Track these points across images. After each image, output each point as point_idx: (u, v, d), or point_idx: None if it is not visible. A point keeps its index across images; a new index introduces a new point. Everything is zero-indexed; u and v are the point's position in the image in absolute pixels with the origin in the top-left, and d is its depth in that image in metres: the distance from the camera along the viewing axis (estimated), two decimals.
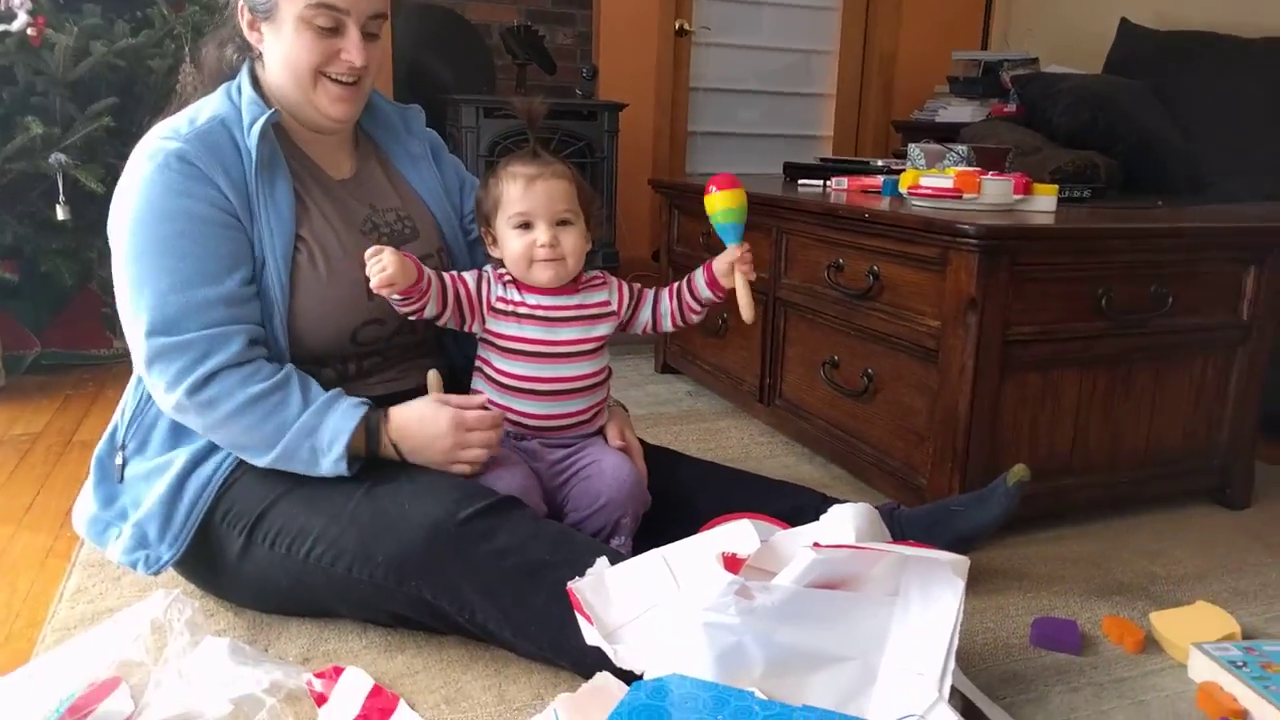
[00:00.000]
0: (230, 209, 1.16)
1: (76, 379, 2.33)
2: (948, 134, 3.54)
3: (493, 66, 3.41)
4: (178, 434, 1.21)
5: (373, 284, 1.15)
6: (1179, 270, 1.52)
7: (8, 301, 2.32)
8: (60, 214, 2.07)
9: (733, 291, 1.29)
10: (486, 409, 1.22)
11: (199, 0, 2.32)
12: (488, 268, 1.30)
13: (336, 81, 1.21)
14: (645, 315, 1.36)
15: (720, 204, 1.28)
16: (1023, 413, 1.47)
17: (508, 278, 1.27)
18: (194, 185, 1.14)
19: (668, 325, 1.36)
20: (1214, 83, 2.97)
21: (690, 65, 3.89)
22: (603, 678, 1.00)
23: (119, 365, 2.44)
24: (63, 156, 2.02)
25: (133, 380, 1.25)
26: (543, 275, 1.24)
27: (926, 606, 0.98)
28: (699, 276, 1.32)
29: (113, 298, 2.43)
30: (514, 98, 1.33)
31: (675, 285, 1.35)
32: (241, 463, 1.18)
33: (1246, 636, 1.22)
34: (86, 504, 1.25)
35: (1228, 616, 1.23)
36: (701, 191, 1.32)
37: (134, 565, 1.19)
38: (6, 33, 1.95)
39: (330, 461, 1.12)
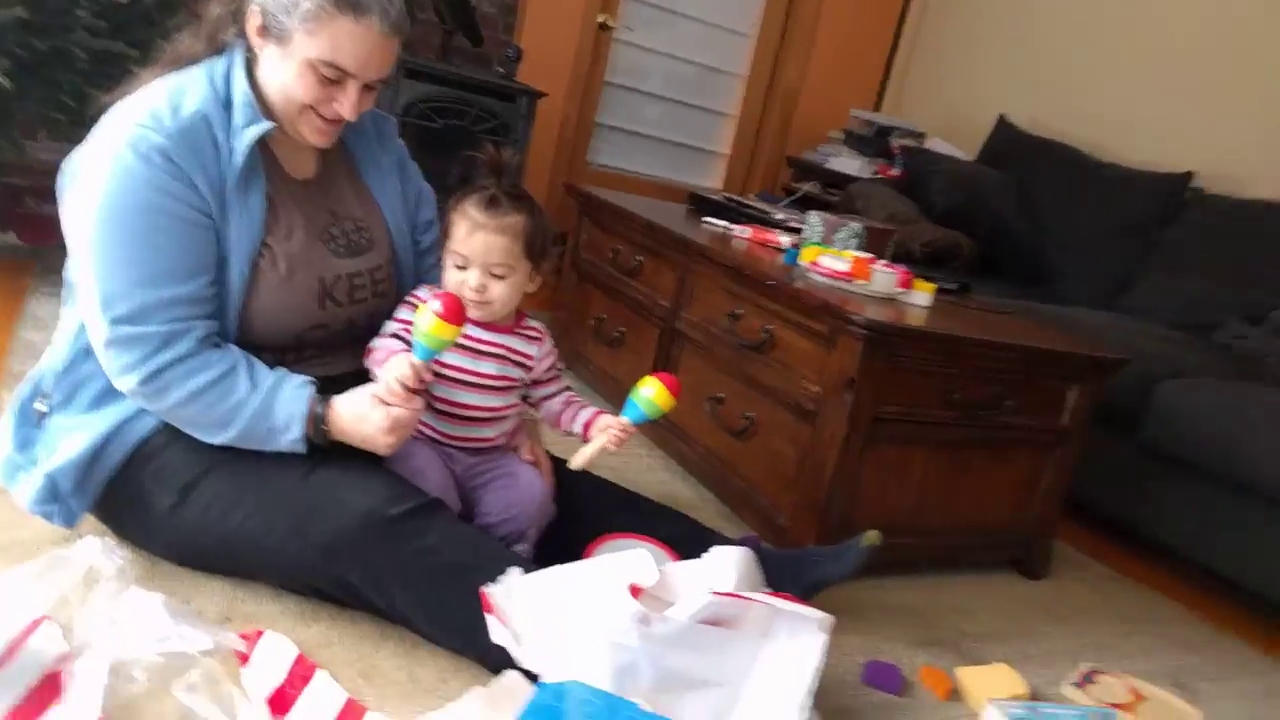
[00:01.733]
0: (206, 210, 1.19)
1: None
2: (836, 181, 3.82)
3: (413, 18, 3.39)
4: (106, 395, 1.24)
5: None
6: (1018, 378, 1.78)
7: None
8: None
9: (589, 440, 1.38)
10: (416, 401, 1.24)
11: None
12: (420, 293, 1.37)
13: (321, 120, 1.24)
14: (539, 393, 1.46)
15: (658, 401, 1.33)
16: (877, 478, 1.70)
17: None
18: (174, 184, 1.16)
19: (542, 415, 1.48)
20: (1066, 191, 3.35)
21: (607, 59, 3.99)
22: (511, 676, 1.13)
23: None
24: None
25: (69, 333, 1.25)
26: (470, 312, 1.31)
27: (793, 649, 1.17)
28: (584, 417, 1.43)
29: None
30: (486, 148, 1.38)
31: (568, 397, 1.46)
32: (169, 428, 1.24)
33: (1033, 697, 1.48)
34: (2, 443, 1.27)
35: (1019, 678, 1.50)
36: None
37: (47, 517, 1.24)
38: None
39: (288, 441, 1.20)
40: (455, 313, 1.18)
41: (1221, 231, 2.92)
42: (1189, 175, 3.12)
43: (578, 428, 1.43)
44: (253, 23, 1.21)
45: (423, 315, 1.19)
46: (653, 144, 4.25)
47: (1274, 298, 2.60)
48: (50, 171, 1.30)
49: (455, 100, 3.03)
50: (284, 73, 1.21)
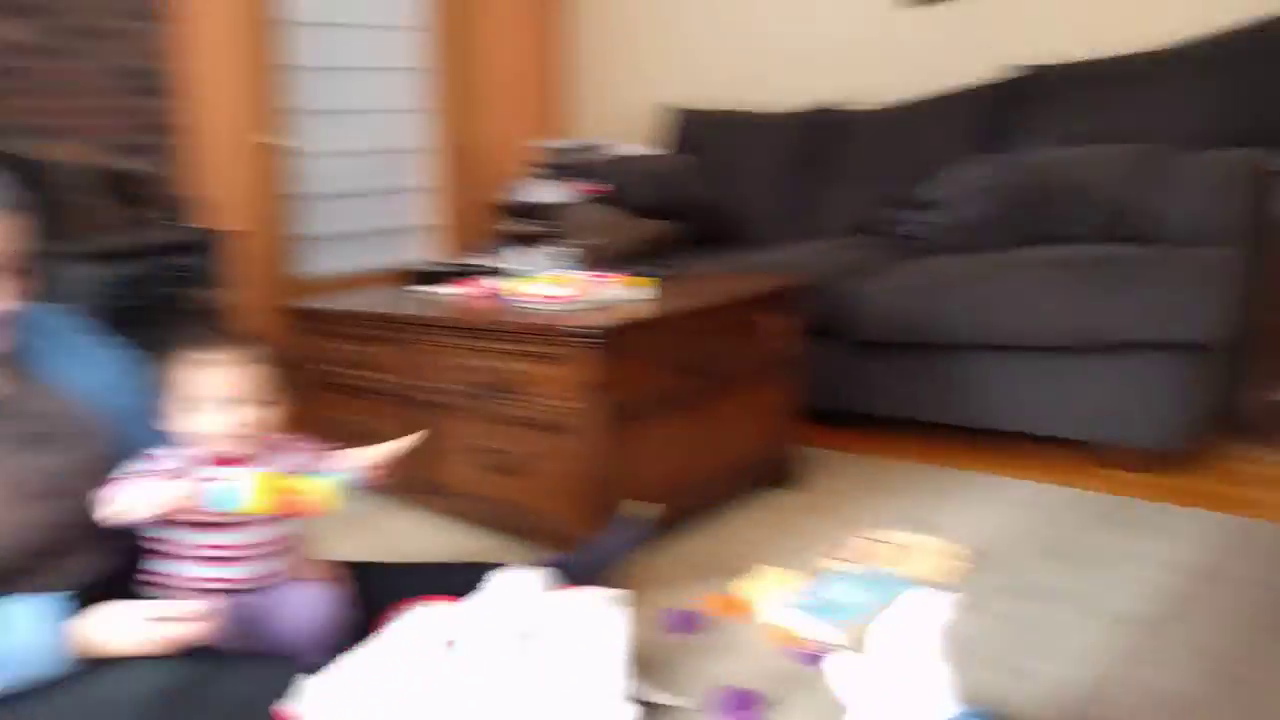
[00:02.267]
0: None
1: None
2: (546, 213, 4.02)
3: (65, 208, 3.26)
4: None
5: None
6: (729, 327, 2.06)
7: None
8: None
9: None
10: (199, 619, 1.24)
11: None
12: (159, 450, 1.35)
13: None
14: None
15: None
16: (639, 458, 1.90)
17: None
18: None
19: None
20: (738, 152, 3.74)
21: (286, 173, 3.99)
22: None
23: None
24: None
25: None
26: (246, 450, 1.33)
27: (597, 635, 1.30)
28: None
29: None
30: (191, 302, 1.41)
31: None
32: None
33: (801, 583, 1.69)
34: None
35: (784, 572, 1.72)
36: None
37: None
38: None
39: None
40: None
41: (861, 143, 3.39)
42: (824, 107, 3.56)
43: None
44: None
45: (238, 490, 1.22)
46: (362, 238, 4.31)
47: (911, 182, 3.03)
48: None
49: (148, 269, 2.99)
50: None
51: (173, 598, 1.32)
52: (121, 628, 1.21)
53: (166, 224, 3.40)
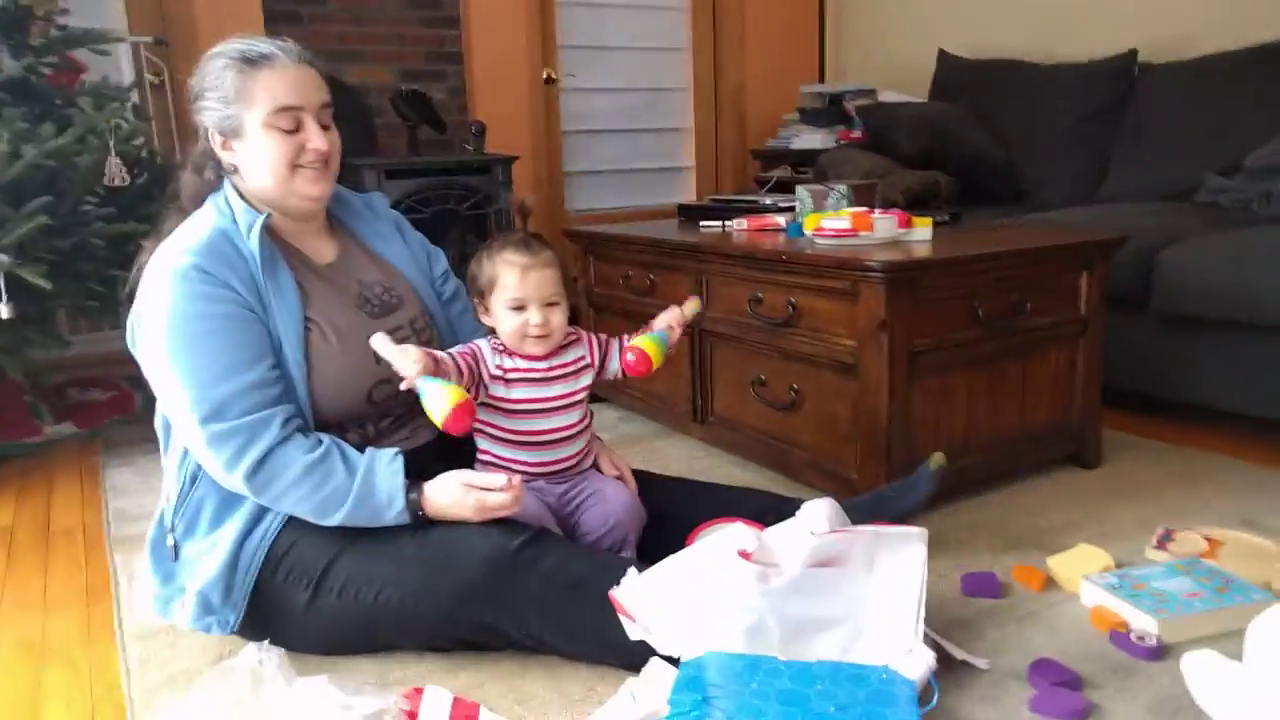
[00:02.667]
0: (246, 304, 1.33)
1: (21, 468, 2.35)
2: (802, 159, 3.94)
3: (374, 127, 3.55)
4: (222, 512, 1.37)
5: (407, 377, 1.29)
6: (1031, 281, 1.88)
7: None
8: (3, 311, 2.12)
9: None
10: (506, 489, 1.34)
11: (118, 97, 2.40)
12: (480, 341, 1.49)
13: (309, 168, 1.40)
14: (615, 365, 1.56)
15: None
16: (927, 409, 1.79)
17: (499, 346, 1.48)
18: (212, 289, 1.31)
19: (620, 370, 1.56)
20: (1022, 104, 3.46)
21: (559, 110, 4.14)
22: (655, 663, 1.23)
23: (56, 451, 2.47)
24: (4, 257, 2.08)
25: (174, 470, 1.40)
26: (534, 349, 1.46)
27: (898, 571, 1.26)
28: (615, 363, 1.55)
29: (35, 385, 2.48)
30: (514, 198, 1.54)
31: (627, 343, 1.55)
32: (288, 526, 1.35)
33: (1119, 567, 1.56)
34: (147, 584, 1.41)
35: (1104, 553, 1.58)
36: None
37: (207, 629, 1.35)
38: None
39: (393, 515, 1.31)
40: (458, 424, 1.27)
41: (1177, 97, 3.01)
42: (1133, 53, 3.22)
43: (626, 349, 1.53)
44: (216, 142, 1.39)
45: (440, 398, 1.27)
46: (620, 176, 4.39)
47: (1242, 147, 2.68)
48: (85, 362, 1.44)
49: (436, 187, 3.18)
50: (257, 153, 1.37)
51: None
52: (446, 491, 1.34)
53: (453, 145, 3.59)
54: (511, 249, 1.45)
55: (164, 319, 1.30)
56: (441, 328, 1.62)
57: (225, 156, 1.41)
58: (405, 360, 1.28)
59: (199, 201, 1.43)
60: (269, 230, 1.40)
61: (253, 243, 1.35)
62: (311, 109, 1.39)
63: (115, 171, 2.29)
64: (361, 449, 1.37)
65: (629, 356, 1.50)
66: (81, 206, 2.32)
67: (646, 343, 1.50)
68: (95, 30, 2.54)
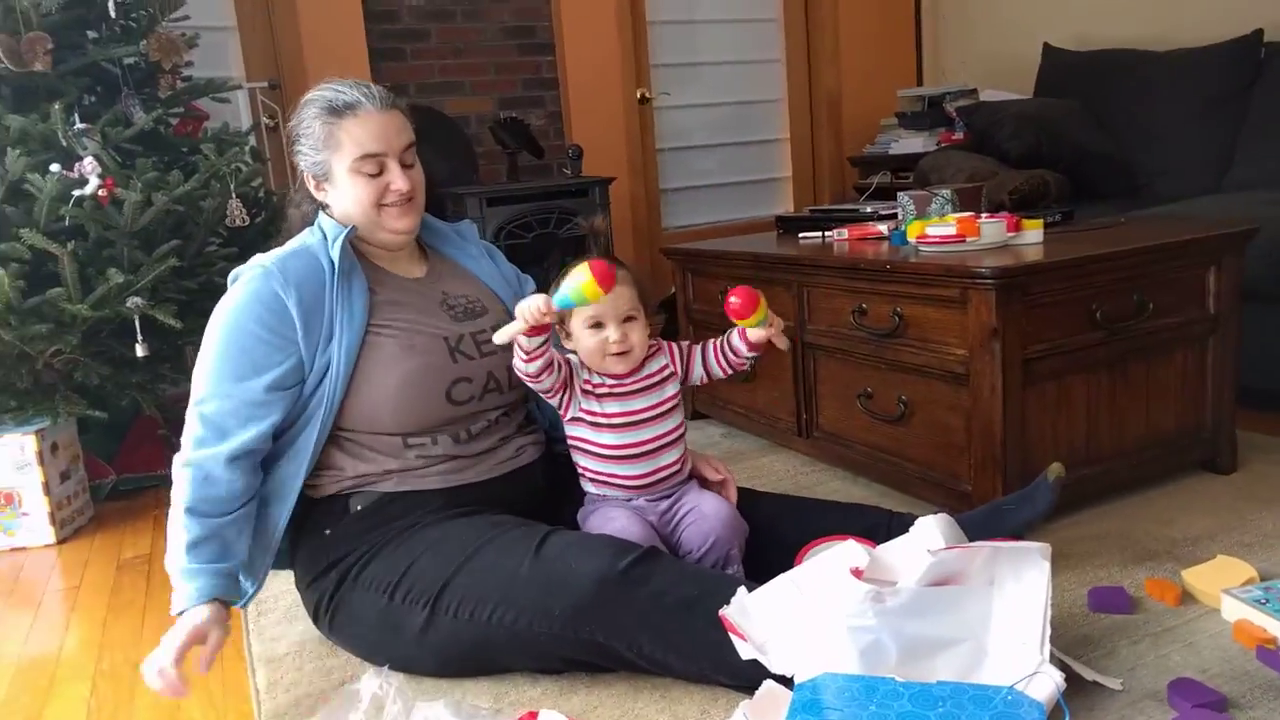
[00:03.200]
0: (286, 332, 1.41)
1: (155, 499, 2.49)
2: (902, 165, 3.86)
3: (475, 156, 3.65)
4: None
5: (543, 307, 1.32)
6: (1154, 280, 1.79)
7: (81, 436, 2.48)
8: (140, 351, 2.25)
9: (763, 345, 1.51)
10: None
11: (237, 142, 2.53)
12: (570, 357, 1.51)
13: (394, 205, 1.48)
14: (698, 370, 1.56)
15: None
16: (1044, 418, 1.72)
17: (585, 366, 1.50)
18: (260, 309, 1.41)
19: (719, 375, 1.56)
20: (1134, 95, 3.32)
21: (654, 129, 4.16)
22: (769, 684, 1.21)
23: None
24: (139, 299, 2.20)
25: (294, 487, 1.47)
26: (615, 366, 1.47)
27: (1021, 588, 1.21)
28: (736, 339, 1.52)
29: (168, 419, 2.61)
30: (582, 219, 1.57)
31: (716, 343, 1.55)
32: (403, 548, 1.41)
33: (1262, 579, 1.47)
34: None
35: (1245, 565, 1.48)
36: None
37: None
38: (81, 196, 2.14)
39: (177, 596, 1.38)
40: (606, 277, 1.29)
41: None
42: (1259, 33, 3.04)
43: (743, 350, 1.51)
44: (310, 185, 1.51)
45: (576, 273, 1.31)
46: (716, 191, 4.38)
47: None
48: None
49: (536, 212, 3.23)
50: (347, 195, 1.47)
51: (603, 493, 1.53)
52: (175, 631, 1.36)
53: (552, 169, 3.65)
54: None
55: (213, 319, 1.44)
56: None
57: (318, 196, 1.52)
58: (526, 307, 1.32)
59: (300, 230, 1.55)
60: (358, 251, 1.50)
61: (334, 250, 1.45)
62: (395, 152, 1.47)
63: (236, 213, 2.41)
64: (453, 458, 1.47)
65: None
66: (207, 247, 2.45)
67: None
68: (216, 79, 2.69)
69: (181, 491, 1.39)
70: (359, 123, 1.44)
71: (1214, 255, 1.85)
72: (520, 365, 1.41)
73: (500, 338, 1.39)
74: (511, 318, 1.58)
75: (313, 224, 1.53)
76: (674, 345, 1.56)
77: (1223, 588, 1.42)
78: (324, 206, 1.53)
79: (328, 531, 1.46)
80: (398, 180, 1.47)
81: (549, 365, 1.42)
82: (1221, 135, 3.04)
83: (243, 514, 1.40)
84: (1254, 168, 2.89)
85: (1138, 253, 1.76)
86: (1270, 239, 2.11)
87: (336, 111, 1.44)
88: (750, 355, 1.53)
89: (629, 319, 1.46)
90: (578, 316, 1.46)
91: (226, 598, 1.38)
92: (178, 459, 1.41)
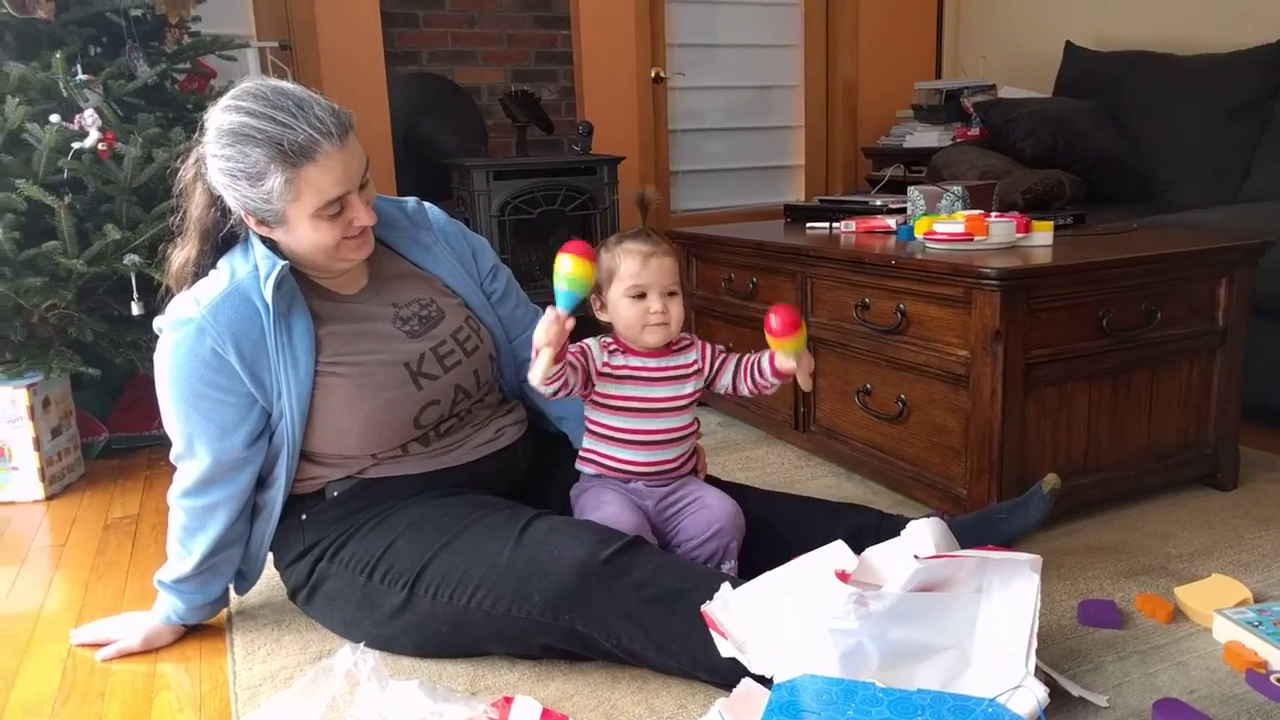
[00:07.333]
0: (232, 384, 1.34)
1: (148, 459, 2.47)
2: (916, 158, 3.81)
3: (485, 127, 3.61)
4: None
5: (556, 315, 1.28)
6: (1162, 289, 1.75)
7: (75, 393, 2.46)
8: (135, 309, 2.22)
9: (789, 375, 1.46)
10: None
11: None
12: (588, 341, 1.48)
13: (354, 238, 1.38)
14: (726, 380, 1.53)
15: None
16: (1044, 424, 1.69)
17: (612, 346, 1.47)
18: (199, 365, 1.33)
19: (744, 393, 1.53)
20: (1155, 98, 3.27)
21: (667, 109, 4.12)
22: (747, 683, 1.19)
23: None
24: (136, 257, 2.18)
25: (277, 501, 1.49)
26: (652, 338, 1.45)
27: (1008, 598, 1.19)
28: (765, 361, 1.48)
29: None
30: (634, 192, 1.53)
31: (748, 360, 1.51)
32: (381, 527, 1.40)
33: (1257, 600, 1.45)
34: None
35: (1240, 585, 1.46)
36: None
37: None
38: (81, 149, 2.11)
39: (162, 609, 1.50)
40: (585, 250, 1.28)
41: None
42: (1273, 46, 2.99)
43: (770, 376, 1.48)
44: (250, 222, 1.36)
45: (561, 263, 1.28)
46: (728, 176, 4.34)
47: None
48: None
49: (543, 188, 3.20)
50: (305, 240, 1.35)
51: (600, 474, 1.51)
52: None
53: (562, 145, 3.61)
54: (631, 239, 1.46)
55: (164, 376, 1.36)
56: (494, 330, 1.60)
57: (259, 231, 1.36)
58: (543, 335, 1.28)
59: (202, 227, 1.40)
60: (294, 271, 1.39)
61: (268, 293, 1.33)
62: (356, 186, 1.34)
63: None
64: (428, 455, 1.46)
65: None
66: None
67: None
68: (224, 36, 2.65)
69: (176, 523, 1.44)
70: (320, 170, 1.28)
71: (1226, 267, 1.82)
72: (541, 389, 1.37)
73: (535, 379, 1.32)
74: (472, 311, 1.56)
75: (238, 239, 1.40)
76: (707, 345, 1.54)
77: (1216, 607, 1.40)
78: (261, 237, 1.38)
79: (304, 516, 1.45)
80: (361, 215, 1.35)
81: (564, 383, 1.39)
82: (1241, 144, 3.00)
83: (225, 557, 1.45)
84: (1273, 179, 2.85)
85: (1148, 260, 1.73)
86: None
87: (291, 159, 1.26)
88: (774, 381, 1.49)
89: (671, 293, 1.45)
90: (618, 287, 1.44)
91: (193, 623, 1.52)
92: (170, 492, 1.43)
